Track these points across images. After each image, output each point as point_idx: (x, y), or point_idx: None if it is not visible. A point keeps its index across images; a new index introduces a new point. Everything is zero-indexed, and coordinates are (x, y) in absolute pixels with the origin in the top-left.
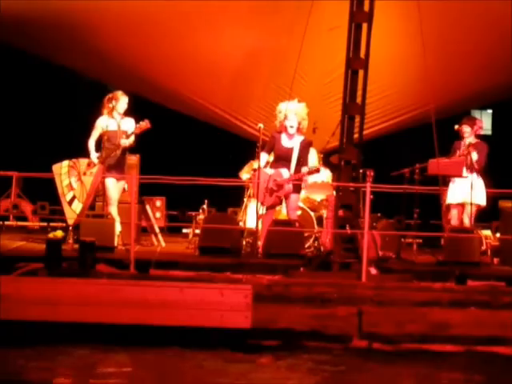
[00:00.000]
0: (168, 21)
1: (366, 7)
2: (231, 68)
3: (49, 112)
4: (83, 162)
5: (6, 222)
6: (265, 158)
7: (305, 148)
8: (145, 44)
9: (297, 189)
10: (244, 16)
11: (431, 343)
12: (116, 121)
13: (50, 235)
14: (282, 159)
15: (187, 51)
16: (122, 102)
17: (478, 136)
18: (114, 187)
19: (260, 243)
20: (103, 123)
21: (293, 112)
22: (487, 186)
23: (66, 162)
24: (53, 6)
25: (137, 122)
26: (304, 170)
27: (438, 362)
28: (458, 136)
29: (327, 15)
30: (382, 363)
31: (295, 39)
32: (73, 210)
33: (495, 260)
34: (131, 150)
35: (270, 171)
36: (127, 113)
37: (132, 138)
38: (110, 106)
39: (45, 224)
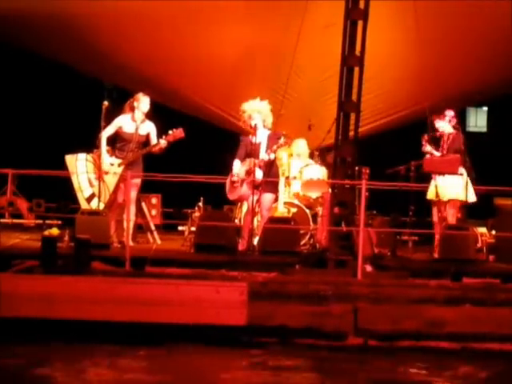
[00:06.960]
0: (164, 20)
1: (362, 4)
2: (227, 66)
3: (45, 109)
4: (105, 159)
5: (2, 220)
6: (238, 164)
7: (271, 138)
8: (141, 42)
9: (271, 188)
10: (239, 14)
11: (427, 340)
12: (136, 124)
13: (46, 233)
14: (252, 155)
15: (183, 49)
16: (144, 102)
17: (454, 127)
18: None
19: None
20: (121, 122)
21: (256, 111)
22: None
23: (82, 155)
24: (56, 5)
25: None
26: (264, 155)
27: (434, 358)
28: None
29: (323, 12)
30: (378, 360)
31: (291, 37)
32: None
33: (491, 257)
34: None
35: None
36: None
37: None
38: (135, 105)
39: (40, 221)
